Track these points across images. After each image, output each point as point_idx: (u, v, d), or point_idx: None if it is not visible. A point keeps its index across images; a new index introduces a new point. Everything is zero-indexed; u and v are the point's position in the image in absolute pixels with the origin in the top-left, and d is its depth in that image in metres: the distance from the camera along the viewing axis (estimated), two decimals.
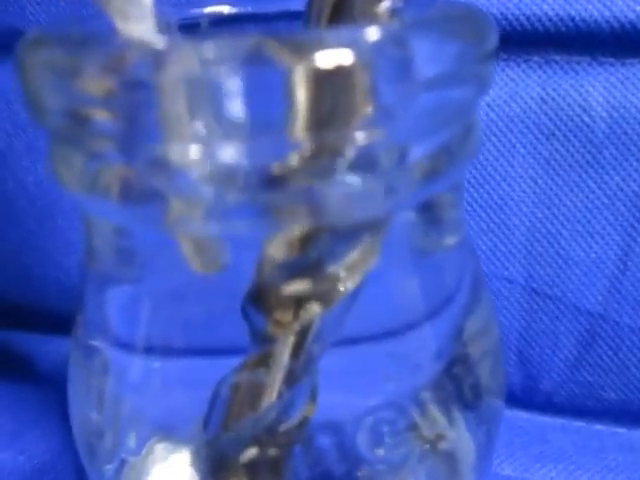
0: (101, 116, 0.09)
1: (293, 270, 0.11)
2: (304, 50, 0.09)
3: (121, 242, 0.12)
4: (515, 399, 0.28)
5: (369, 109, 0.10)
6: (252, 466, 0.14)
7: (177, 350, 0.13)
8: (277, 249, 0.11)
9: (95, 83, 0.09)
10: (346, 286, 0.11)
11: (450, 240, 0.14)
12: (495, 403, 0.15)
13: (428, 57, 0.10)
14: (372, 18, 0.10)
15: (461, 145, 0.12)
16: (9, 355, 0.31)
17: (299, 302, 0.11)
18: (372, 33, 0.09)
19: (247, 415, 0.13)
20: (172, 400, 0.14)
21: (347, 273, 0.11)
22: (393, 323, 0.13)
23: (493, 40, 0.11)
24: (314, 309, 0.11)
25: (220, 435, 0.13)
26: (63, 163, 0.11)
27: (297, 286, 0.11)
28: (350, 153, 0.10)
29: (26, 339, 0.32)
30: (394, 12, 0.11)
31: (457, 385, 0.14)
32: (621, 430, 0.27)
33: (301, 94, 0.09)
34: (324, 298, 0.11)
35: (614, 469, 0.25)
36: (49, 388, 0.28)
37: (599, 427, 0.27)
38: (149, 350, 0.13)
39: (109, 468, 0.14)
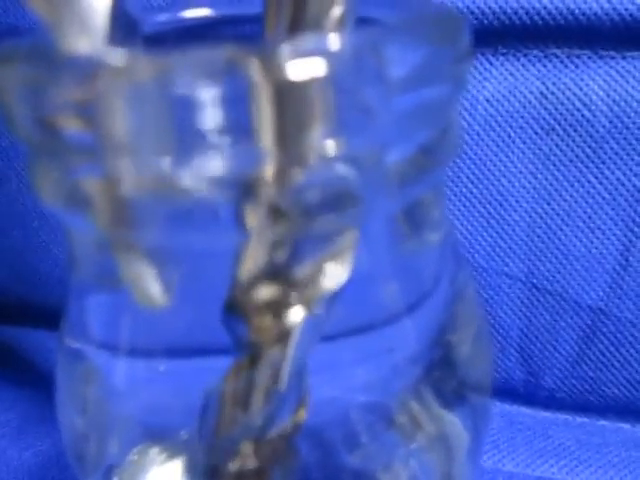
0: (73, 129, 0.09)
1: (266, 275, 0.11)
2: (274, 61, 0.09)
3: (100, 253, 0.12)
4: (517, 395, 0.27)
5: (342, 116, 0.10)
6: (243, 474, 0.14)
7: (160, 354, 0.13)
8: (251, 255, 0.11)
9: (66, 96, 0.09)
10: (322, 288, 0.11)
11: (431, 238, 0.13)
12: (481, 397, 0.15)
13: (400, 60, 0.10)
14: (325, 24, 0.10)
15: (440, 146, 0.11)
16: (14, 352, 0.31)
17: (277, 307, 0.11)
18: (341, 41, 0.09)
19: (236, 422, 0.13)
20: (156, 405, 0.14)
21: (321, 275, 0.11)
22: (371, 320, 0.13)
23: (465, 40, 0.11)
24: (292, 313, 0.11)
25: (211, 443, 0.13)
26: (41, 176, 0.11)
27: (269, 291, 0.11)
28: (325, 159, 0.10)
29: (31, 335, 0.32)
30: (344, 17, 0.10)
31: (440, 379, 0.14)
32: (625, 426, 0.27)
33: (271, 105, 0.09)
34: (301, 302, 0.11)
35: (617, 465, 0.25)
36: (54, 384, 0.28)
37: (602, 423, 0.27)
38: (132, 355, 0.13)
39: (96, 473, 0.14)
